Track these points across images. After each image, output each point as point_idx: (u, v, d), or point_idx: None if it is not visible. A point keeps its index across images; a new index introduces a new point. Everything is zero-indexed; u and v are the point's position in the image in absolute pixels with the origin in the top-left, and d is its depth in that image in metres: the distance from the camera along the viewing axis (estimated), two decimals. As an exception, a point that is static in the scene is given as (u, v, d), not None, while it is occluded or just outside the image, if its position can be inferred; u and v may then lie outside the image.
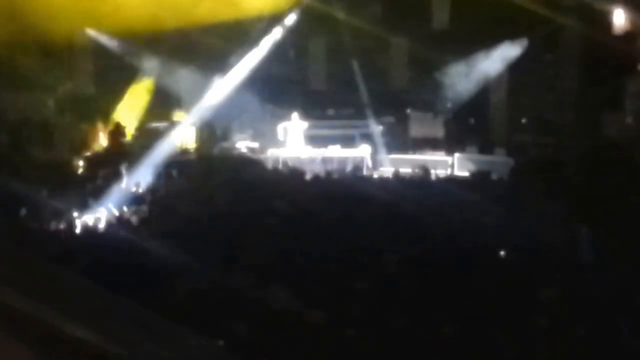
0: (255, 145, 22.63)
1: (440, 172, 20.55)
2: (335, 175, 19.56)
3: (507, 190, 18.17)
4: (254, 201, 14.06)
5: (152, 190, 17.31)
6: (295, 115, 22.57)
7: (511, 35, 22.31)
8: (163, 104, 23.20)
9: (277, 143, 22.52)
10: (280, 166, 21.17)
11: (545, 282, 10.37)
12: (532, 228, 13.33)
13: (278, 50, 23.24)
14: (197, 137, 22.88)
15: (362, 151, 22.07)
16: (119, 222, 14.07)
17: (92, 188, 16.62)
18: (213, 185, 16.31)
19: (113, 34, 22.41)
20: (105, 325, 7.66)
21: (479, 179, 19.54)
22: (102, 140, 22.08)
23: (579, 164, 20.22)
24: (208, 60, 22.75)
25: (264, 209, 13.14)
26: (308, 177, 19.06)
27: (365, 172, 21.23)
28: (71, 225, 13.86)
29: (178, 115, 23.40)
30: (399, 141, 22.86)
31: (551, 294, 9.92)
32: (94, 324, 7.65)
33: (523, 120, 22.98)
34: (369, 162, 21.90)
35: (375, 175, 20.71)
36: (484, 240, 12.59)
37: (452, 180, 19.85)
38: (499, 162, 21.09)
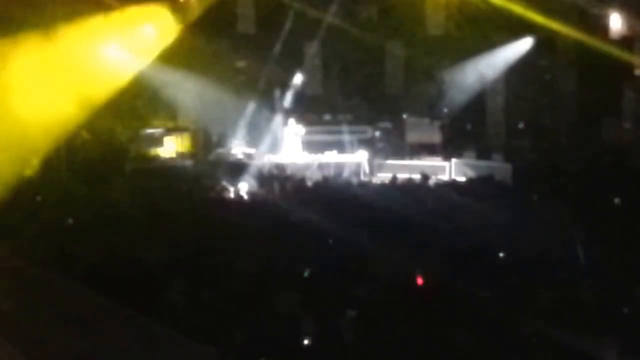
0: (252, 151, 22.52)
1: (437, 178, 20.53)
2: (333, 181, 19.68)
3: (505, 195, 18.16)
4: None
5: None
6: (292, 121, 22.54)
7: (508, 40, 22.24)
8: (158, 110, 23.07)
9: (273, 149, 22.47)
10: (276, 172, 21.11)
11: (545, 288, 10.38)
12: (530, 235, 13.44)
13: (275, 56, 23.18)
14: (192, 143, 22.80)
15: (359, 157, 22.00)
16: None
17: None
18: None
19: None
20: (99, 332, 7.60)
21: (477, 184, 19.55)
22: None
23: (577, 169, 20.23)
24: (204, 66, 22.65)
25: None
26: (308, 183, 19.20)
27: (362, 178, 21.21)
28: None
29: (173, 121, 23.29)
30: (396, 147, 22.79)
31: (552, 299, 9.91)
32: (88, 330, 7.57)
33: (520, 126, 22.87)
34: (365, 167, 21.85)
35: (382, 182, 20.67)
36: (481, 247, 12.70)
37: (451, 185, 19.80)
38: (497, 167, 21.04)
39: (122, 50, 22.02)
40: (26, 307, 8.62)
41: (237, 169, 20.69)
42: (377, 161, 22.21)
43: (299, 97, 23.37)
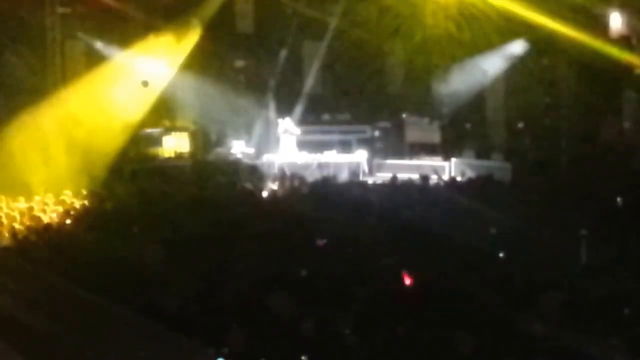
0: (251, 150, 22.47)
1: (440, 177, 20.49)
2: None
3: (506, 194, 18.16)
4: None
5: None
6: (290, 120, 22.49)
7: (508, 39, 22.15)
8: (156, 109, 22.96)
9: (272, 148, 22.42)
10: (276, 171, 21.06)
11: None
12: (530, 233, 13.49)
13: (273, 56, 23.13)
14: (191, 142, 22.73)
15: (358, 156, 21.94)
16: None
17: None
18: None
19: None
20: (100, 334, 7.56)
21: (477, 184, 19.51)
22: None
23: (577, 168, 20.24)
24: (203, 66, 22.60)
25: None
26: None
27: (361, 178, 21.17)
28: None
29: (172, 121, 23.20)
30: (396, 146, 22.73)
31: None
32: (89, 333, 7.53)
33: (520, 125, 22.78)
34: (365, 167, 21.79)
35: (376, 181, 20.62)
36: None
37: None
38: (497, 167, 20.99)
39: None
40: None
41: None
42: (377, 161, 22.16)
43: (298, 96, 23.29)
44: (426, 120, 22.99)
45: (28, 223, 14.23)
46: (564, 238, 12.79)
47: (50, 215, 15.34)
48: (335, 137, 22.52)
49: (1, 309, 8.71)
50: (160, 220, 13.67)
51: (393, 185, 18.92)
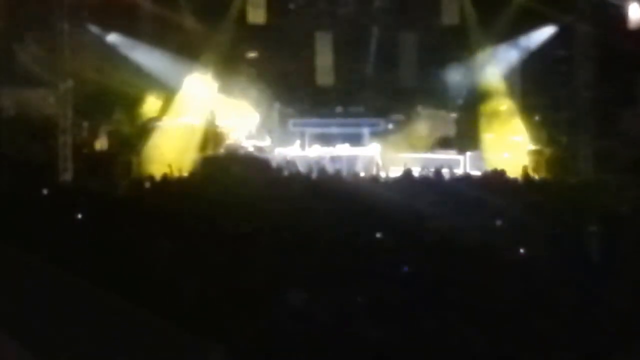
0: (263, 144, 22.18)
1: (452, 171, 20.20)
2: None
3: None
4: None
5: None
6: (303, 113, 22.28)
7: (524, 30, 21.81)
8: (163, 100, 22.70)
9: (283, 142, 22.15)
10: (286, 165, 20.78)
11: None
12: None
13: (285, 47, 22.87)
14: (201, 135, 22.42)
15: (372, 150, 21.63)
16: None
17: None
18: None
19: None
20: (104, 330, 7.22)
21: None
22: None
23: (594, 162, 19.97)
24: (212, 57, 22.34)
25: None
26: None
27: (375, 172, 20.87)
28: None
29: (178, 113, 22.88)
30: (410, 139, 22.42)
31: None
32: (93, 328, 7.18)
33: (537, 118, 22.41)
34: (378, 161, 21.49)
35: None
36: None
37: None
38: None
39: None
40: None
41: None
42: (390, 154, 21.85)
43: (311, 88, 23.04)
44: (441, 112, 22.69)
45: None
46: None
47: None
48: (348, 130, 22.25)
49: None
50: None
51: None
